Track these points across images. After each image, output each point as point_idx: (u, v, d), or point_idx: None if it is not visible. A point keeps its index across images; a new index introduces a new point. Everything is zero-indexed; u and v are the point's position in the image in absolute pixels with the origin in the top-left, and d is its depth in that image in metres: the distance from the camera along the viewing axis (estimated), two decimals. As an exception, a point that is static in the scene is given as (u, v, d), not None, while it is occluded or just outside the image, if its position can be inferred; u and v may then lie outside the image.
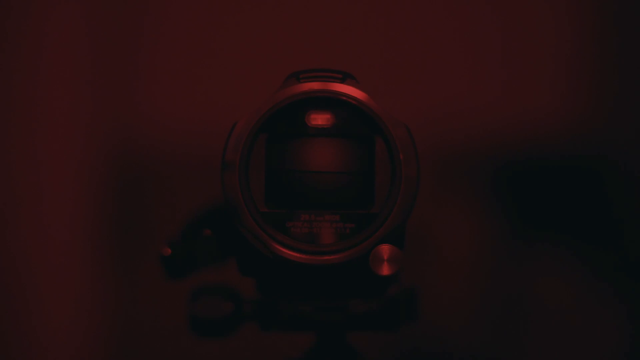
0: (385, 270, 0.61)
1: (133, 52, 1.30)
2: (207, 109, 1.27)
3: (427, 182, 1.11)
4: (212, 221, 0.71)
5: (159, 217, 1.29)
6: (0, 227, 1.30)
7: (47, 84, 1.29)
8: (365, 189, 0.61)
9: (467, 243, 1.30)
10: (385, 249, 0.61)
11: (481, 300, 1.30)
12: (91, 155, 1.30)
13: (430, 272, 1.28)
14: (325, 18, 1.28)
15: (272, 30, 1.28)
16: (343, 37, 1.28)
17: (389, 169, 0.61)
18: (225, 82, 1.27)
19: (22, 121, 1.29)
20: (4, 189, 1.30)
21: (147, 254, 1.28)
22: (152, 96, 1.30)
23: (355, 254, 0.61)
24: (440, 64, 1.29)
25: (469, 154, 1.29)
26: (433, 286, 1.28)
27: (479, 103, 1.29)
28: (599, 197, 1.30)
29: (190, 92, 1.29)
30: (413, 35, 1.29)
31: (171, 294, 0.94)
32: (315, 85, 0.61)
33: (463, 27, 1.29)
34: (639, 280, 1.29)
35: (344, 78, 0.62)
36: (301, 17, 1.28)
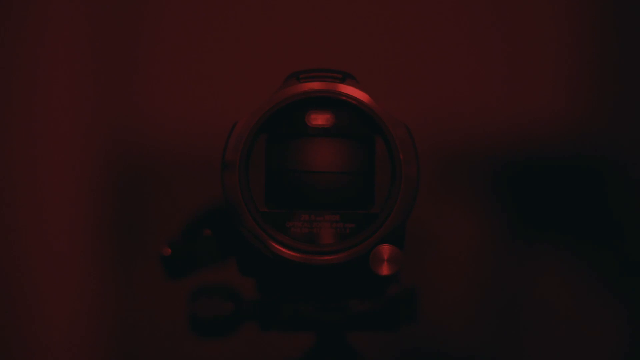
0: (385, 270, 0.61)
1: (133, 52, 1.30)
2: (207, 109, 1.27)
3: (428, 182, 1.11)
4: (212, 221, 0.71)
5: (159, 217, 1.29)
6: (0, 227, 1.30)
7: (47, 85, 1.29)
8: (365, 189, 0.61)
9: (468, 243, 1.30)
10: (385, 249, 0.61)
11: (481, 300, 1.30)
12: (91, 155, 1.30)
13: (430, 272, 1.28)
14: (325, 18, 1.28)
15: (272, 30, 1.28)
16: (343, 37, 1.28)
17: (389, 169, 0.61)
18: (225, 82, 1.27)
19: (23, 122, 1.29)
20: (4, 190, 1.30)
21: (147, 254, 1.28)
22: (152, 96, 1.30)
23: (355, 254, 0.61)
24: (440, 64, 1.29)
25: (470, 154, 1.29)
26: (433, 286, 1.28)
27: (479, 103, 1.29)
28: (599, 198, 1.31)
29: (190, 92, 1.29)
30: (413, 35, 1.29)
31: (171, 294, 0.94)
32: (315, 85, 0.61)
33: (464, 27, 1.29)
34: (639, 280, 1.29)
35: (344, 78, 0.62)
36: (301, 17, 1.28)
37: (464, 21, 1.29)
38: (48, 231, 1.30)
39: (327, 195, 0.61)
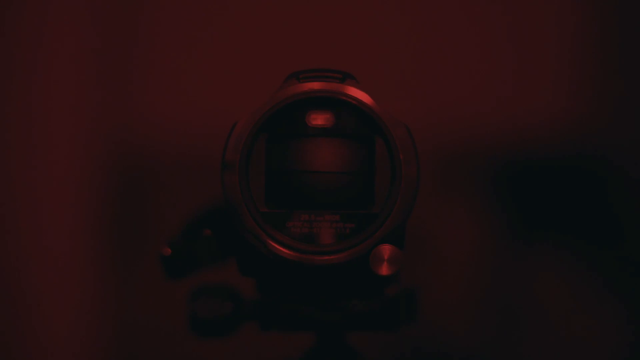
0: (385, 270, 0.61)
1: (133, 52, 1.30)
2: (207, 109, 1.27)
3: (428, 182, 1.11)
4: (212, 221, 0.71)
5: (159, 217, 1.29)
6: (0, 228, 1.30)
7: (47, 86, 1.29)
8: (365, 189, 0.61)
9: (468, 243, 1.30)
10: (385, 249, 0.61)
11: (481, 300, 1.30)
12: (91, 155, 1.30)
13: (430, 272, 1.28)
14: (325, 18, 1.28)
15: (272, 30, 1.28)
16: (343, 37, 1.28)
17: (389, 169, 0.61)
18: (225, 82, 1.27)
19: (23, 122, 1.29)
20: (4, 190, 1.30)
21: (147, 254, 1.28)
22: (152, 96, 1.30)
23: (355, 254, 0.61)
24: (440, 64, 1.29)
25: (470, 154, 1.29)
26: (433, 286, 1.28)
27: (479, 103, 1.29)
28: (599, 198, 1.30)
29: (190, 92, 1.29)
30: (413, 35, 1.29)
31: (171, 294, 0.94)
32: (315, 85, 0.61)
33: (464, 27, 1.29)
34: (639, 280, 1.29)
35: (344, 78, 0.62)
36: (301, 17, 1.28)
37: (465, 21, 1.29)
38: (48, 231, 1.30)
39: (327, 195, 0.61)
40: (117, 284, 1.31)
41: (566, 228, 1.30)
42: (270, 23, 1.28)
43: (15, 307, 1.30)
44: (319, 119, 0.61)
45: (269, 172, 0.61)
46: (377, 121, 0.61)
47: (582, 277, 1.29)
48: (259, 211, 0.61)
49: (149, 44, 1.29)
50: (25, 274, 1.30)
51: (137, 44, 1.29)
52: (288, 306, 0.69)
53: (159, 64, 1.29)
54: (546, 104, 1.29)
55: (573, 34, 1.30)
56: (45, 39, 1.28)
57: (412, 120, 0.64)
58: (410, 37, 1.29)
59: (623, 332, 1.29)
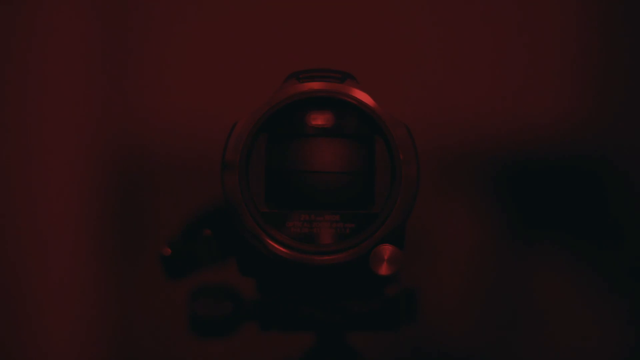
0: (385, 270, 0.61)
1: (133, 53, 1.30)
2: (207, 109, 1.27)
3: (428, 182, 1.11)
4: (212, 221, 0.71)
5: (159, 217, 1.29)
6: (1, 228, 1.30)
7: (48, 86, 1.29)
8: (365, 189, 0.61)
9: (468, 243, 1.30)
10: (385, 249, 0.61)
11: (481, 300, 1.30)
12: (91, 155, 1.30)
13: (430, 272, 1.28)
14: (325, 18, 1.28)
15: (272, 30, 1.28)
16: (343, 37, 1.28)
17: (389, 169, 0.61)
18: (225, 82, 1.27)
19: (23, 123, 1.29)
20: (4, 191, 1.30)
21: (147, 254, 1.28)
22: (152, 96, 1.30)
23: (355, 254, 0.61)
24: (441, 64, 1.29)
25: (470, 155, 1.29)
26: (433, 286, 1.28)
27: (480, 104, 1.29)
28: (600, 199, 1.30)
29: (190, 92, 1.29)
30: (413, 35, 1.29)
31: (171, 294, 0.94)
32: (315, 85, 0.61)
33: (465, 28, 1.29)
34: (639, 280, 1.29)
35: (344, 78, 0.62)
36: (301, 17, 1.28)
37: (465, 22, 1.29)
38: (49, 232, 1.30)
39: (327, 195, 0.61)
40: (118, 284, 1.31)
41: (566, 228, 1.30)
42: (270, 23, 1.28)
43: (15, 307, 1.30)
44: (319, 119, 0.61)
45: (269, 172, 0.61)
46: (377, 121, 0.61)
47: (582, 277, 1.29)
48: (259, 211, 0.61)
49: (148, 45, 1.29)
50: (25, 275, 1.30)
51: (136, 44, 1.29)
52: (288, 306, 0.69)
53: (159, 64, 1.29)
54: (546, 105, 1.29)
55: (574, 36, 1.30)
56: (44, 41, 1.28)
57: (412, 120, 0.64)
58: (410, 38, 1.29)
59: (623, 332, 1.29)
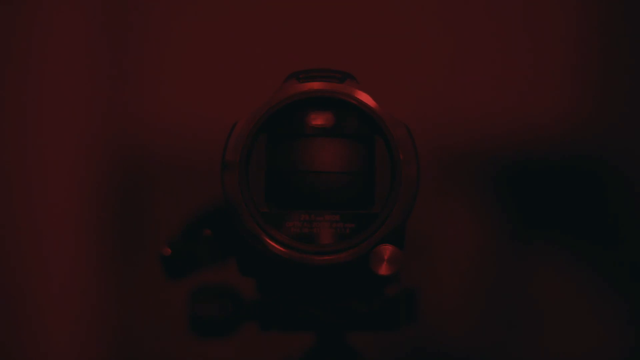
0: (385, 270, 0.61)
1: (133, 53, 1.30)
2: (207, 109, 1.27)
3: (428, 182, 1.11)
4: (212, 221, 0.71)
5: (159, 217, 1.29)
6: (1, 228, 1.30)
7: (48, 87, 1.29)
8: (365, 189, 0.61)
9: (468, 243, 1.30)
10: (385, 249, 0.61)
11: (481, 300, 1.30)
12: (91, 155, 1.30)
13: (430, 272, 1.28)
14: (325, 18, 1.28)
15: (272, 30, 1.28)
16: (343, 37, 1.28)
17: (389, 169, 0.61)
18: (225, 82, 1.27)
19: (24, 123, 1.29)
20: (4, 191, 1.30)
21: (147, 254, 1.28)
22: (152, 96, 1.30)
23: (355, 254, 0.61)
24: (441, 64, 1.29)
25: (470, 155, 1.29)
26: (433, 286, 1.28)
27: (480, 104, 1.29)
28: (599, 199, 1.31)
29: (191, 92, 1.29)
30: (413, 35, 1.29)
31: (171, 294, 0.94)
32: (315, 85, 0.61)
33: (465, 28, 1.29)
34: (639, 280, 1.29)
35: (344, 78, 0.62)
36: (301, 17, 1.28)
37: (465, 22, 1.29)
38: (49, 232, 1.30)
39: (327, 195, 0.61)
40: (118, 284, 1.31)
41: (566, 228, 1.30)
42: (270, 23, 1.28)
43: (15, 307, 1.30)
44: (319, 119, 0.61)
45: (269, 172, 0.61)
46: (377, 121, 0.61)
47: (582, 277, 1.29)
48: (259, 211, 0.61)
49: (148, 45, 1.29)
50: (25, 275, 1.30)
51: (136, 44, 1.29)
52: (288, 306, 0.69)
53: (159, 64, 1.29)
54: (547, 105, 1.29)
55: (574, 36, 1.30)
56: (44, 41, 1.28)
57: (412, 120, 0.64)
58: (410, 38, 1.29)
59: (623, 332, 1.29)
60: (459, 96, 1.29)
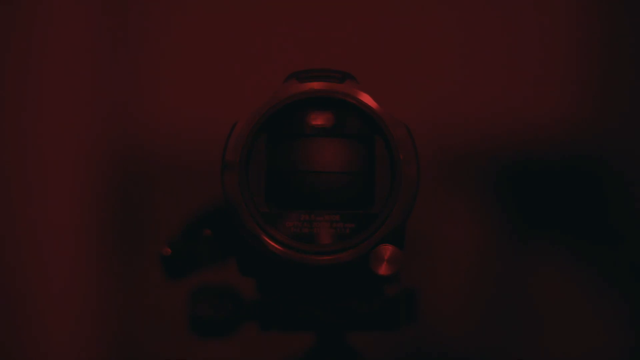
0: (385, 270, 0.61)
1: (134, 53, 1.30)
2: (206, 110, 1.27)
3: (428, 182, 1.11)
4: (212, 221, 0.71)
5: (159, 217, 1.29)
6: (1, 228, 1.30)
7: (48, 87, 1.29)
8: (365, 189, 0.61)
9: (468, 243, 1.30)
10: (385, 249, 0.61)
11: (481, 300, 1.30)
12: (92, 155, 1.30)
13: (430, 272, 1.28)
14: (325, 18, 1.28)
15: (272, 30, 1.28)
16: (343, 37, 1.28)
17: (389, 169, 0.61)
18: (225, 82, 1.27)
19: (24, 123, 1.29)
20: (5, 191, 1.30)
21: (148, 254, 1.28)
22: (152, 97, 1.30)
23: (355, 254, 0.61)
24: (441, 64, 1.29)
25: (470, 155, 1.29)
26: (433, 286, 1.28)
27: (480, 104, 1.29)
28: (600, 199, 1.31)
29: (191, 92, 1.29)
30: (414, 35, 1.29)
31: (171, 294, 0.94)
32: (315, 85, 0.61)
33: (466, 28, 1.29)
34: (638, 280, 1.29)
35: (344, 78, 0.62)
36: (301, 17, 1.28)
37: (466, 22, 1.29)
38: (49, 231, 1.30)
39: (327, 195, 0.61)
40: (118, 284, 1.31)
41: (566, 228, 1.30)
42: (270, 23, 1.28)
43: (15, 307, 1.30)
44: (319, 119, 0.61)
45: (269, 172, 0.61)
46: (377, 121, 0.61)
47: (582, 277, 1.29)
48: (259, 211, 0.61)
49: (148, 45, 1.29)
50: (25, 275, 1.30)
51: (136, 44, 1.29)
52: (288, 306, 0.69)
53: (160, 64, 1.29)
54: (547, 105, 1.29)
55: (574, 36, 1.30)
56: (44, 41, 1.28)
57: (412, 120, 0.64)
58: (410, 37, 1.29)
59: (623, 332, 1.29)
60: (459, 96, 1.29)
